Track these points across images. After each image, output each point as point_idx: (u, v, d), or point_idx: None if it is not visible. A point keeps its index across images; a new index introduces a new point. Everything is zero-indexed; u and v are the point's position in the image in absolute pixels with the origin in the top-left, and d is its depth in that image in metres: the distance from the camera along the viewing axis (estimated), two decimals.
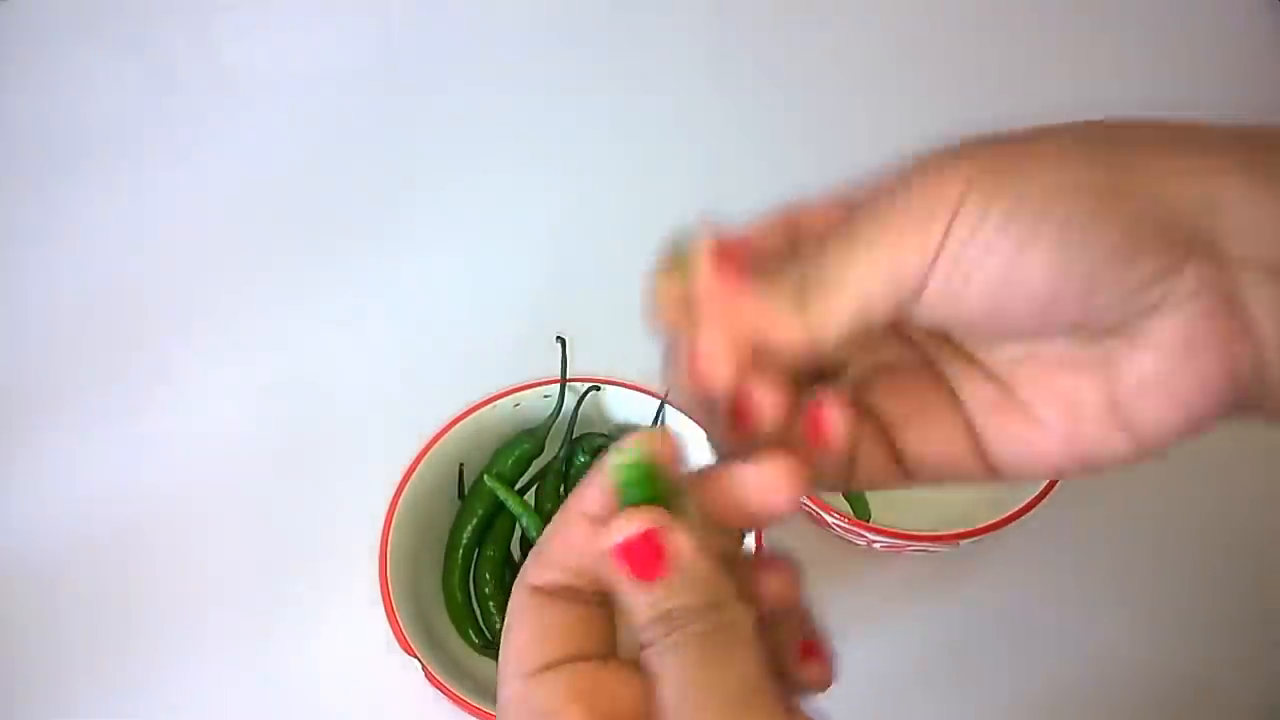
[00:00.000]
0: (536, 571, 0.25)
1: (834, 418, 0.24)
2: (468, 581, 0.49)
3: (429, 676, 0.42)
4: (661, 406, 0.49)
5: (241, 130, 0.68)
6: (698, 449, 0.25)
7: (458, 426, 0.48)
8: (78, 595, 0.51)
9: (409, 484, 0.46)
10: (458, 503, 0.50)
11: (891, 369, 0.27)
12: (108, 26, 0.73)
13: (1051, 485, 0.46)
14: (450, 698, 0.41)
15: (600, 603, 0.24)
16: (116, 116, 0.68)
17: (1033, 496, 0.46)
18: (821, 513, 0.47)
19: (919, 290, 0.23)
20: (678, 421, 0.48)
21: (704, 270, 0.24)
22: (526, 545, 0.50)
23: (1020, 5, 0.77)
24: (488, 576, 0.48)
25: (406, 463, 0.47)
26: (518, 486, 0.50)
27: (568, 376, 0.49)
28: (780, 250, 0.25)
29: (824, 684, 0.25)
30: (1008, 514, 0.46)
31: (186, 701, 0.48)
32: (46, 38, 0.72)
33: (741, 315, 0.24)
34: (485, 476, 0.48)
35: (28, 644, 0.50)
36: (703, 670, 0.22)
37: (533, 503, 0.50)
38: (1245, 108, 0.81)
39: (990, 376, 0.25)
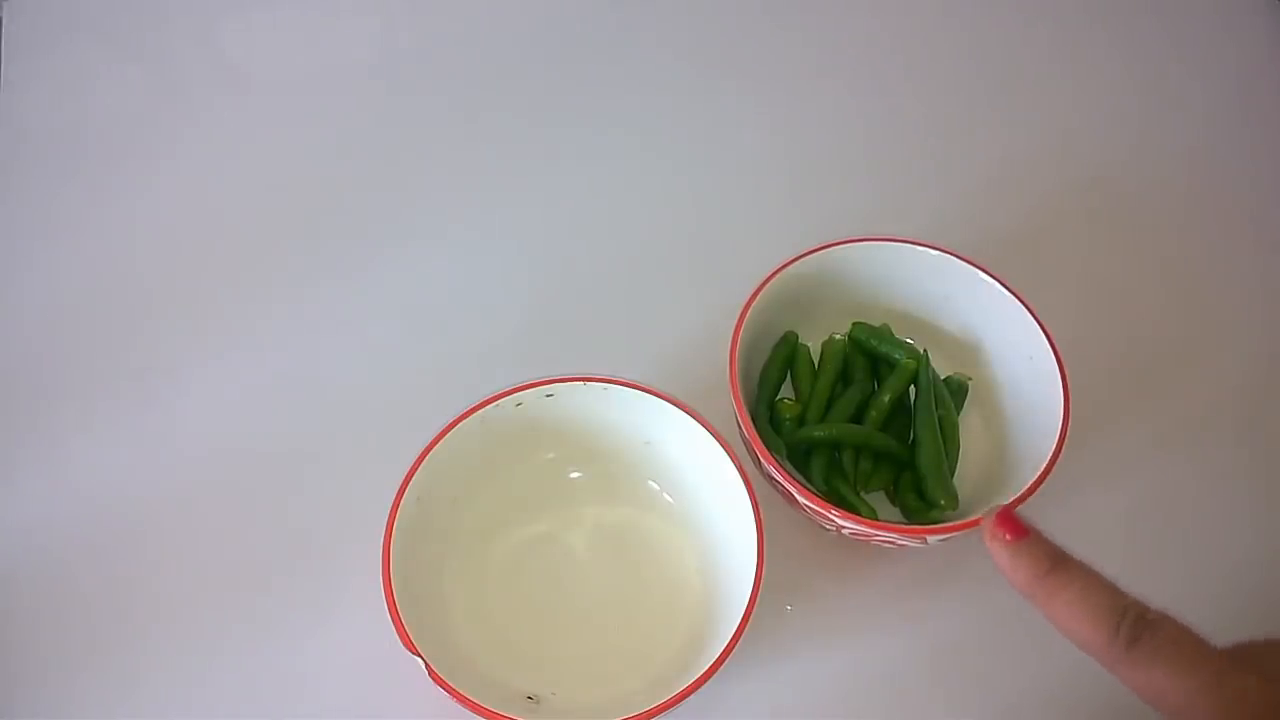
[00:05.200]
0: None
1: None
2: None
3: (432, 675, 0.42)
4: None
5: (243, 130, 0.68)
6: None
7: (460, 425, 0.48)
8: (79, 593, 0.51)
9: (411, 483, 0.46)
10: (460, 502, 0.50)
11: None
12: (109, 26, 0.73)
13: (1035, 486, 0.46)
14: (453, 696, 0.42)
15: None
16: (117, 116, 0.68)
17: (1012, 500, 0.46)
18: (793, 491, 0.47)
19: None
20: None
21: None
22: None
23: (1020, 5, 0.77)
24: None
25: (409, 462, 0.47)
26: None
27: (567, 376, 0.49)
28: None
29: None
30: (981, 515, 0.46)
31: (187, 700, 0.49)
32: (48, 37, 0.72)
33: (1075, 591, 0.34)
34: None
35: (28, 642, 0.50)
36: None
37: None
38: (1245, 108, 0.81)
39: None
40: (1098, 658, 0.33)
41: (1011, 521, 0.36)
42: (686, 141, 0.69)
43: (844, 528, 0.48)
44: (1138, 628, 0.33)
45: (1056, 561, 0.35)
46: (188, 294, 0.61)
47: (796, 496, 0.47)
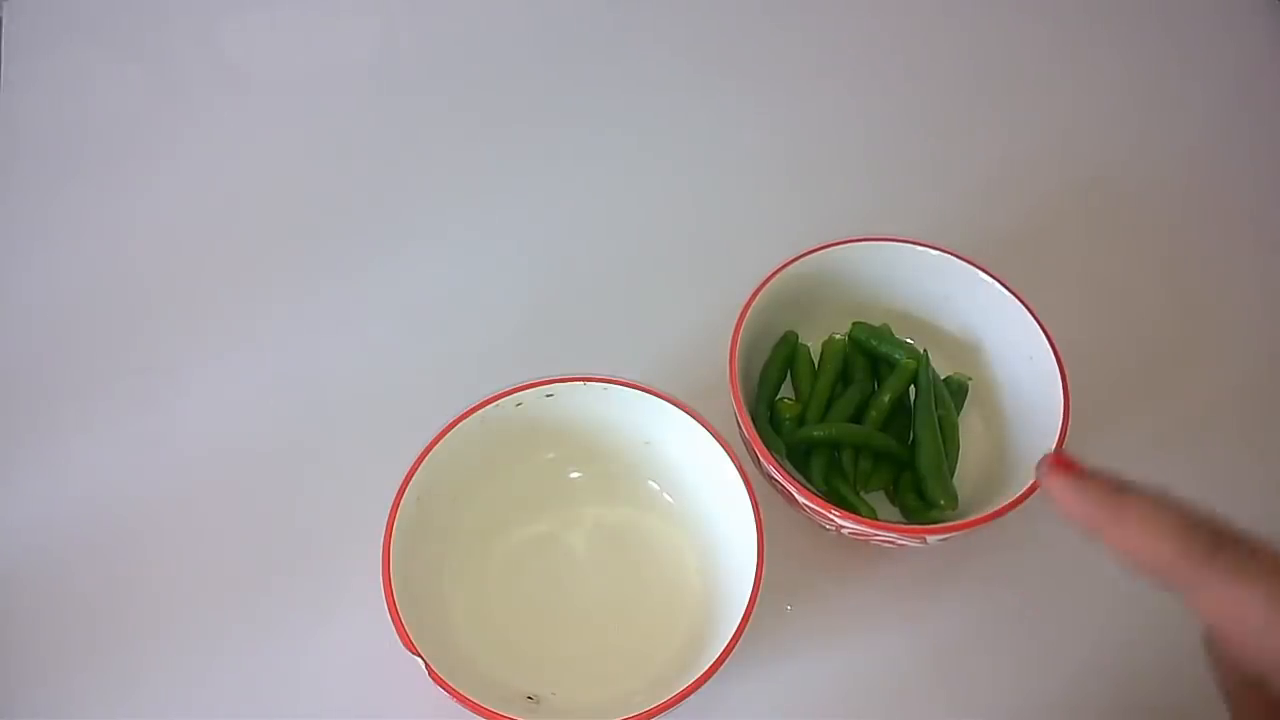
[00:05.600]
0: None
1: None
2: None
3: (432, 675, 0.42)
4: None
5: (243, 130, 0.68)
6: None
7: (460, 425, 0.48)
8: (79, 593, 0.51)
9: (411, 483, 0.46)
10: (460, 502, 0.50)
11: None
12: (109, 26, 0.73)
13: (1035, 486, 0.46)
14: (453, 696, 0.42)
15: None
16: (117, 116, 0.69)
17: (1011, 499, 0.46)
18: (793, 491, 0.47)
19: None
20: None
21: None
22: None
23: (1020, 5, 0.77)
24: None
25: (409, 462, 0.47)
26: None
27: (568, 376, 0.49)
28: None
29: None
30: (981, 515, 0.46)
31: (187, 700, 0.49)
32: (48, 37, 0.72)
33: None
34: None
35: (28, 642, 0.50)
36: None
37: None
38: (1245, 108, 0.81)
39: None
40: (1171, 575, 0.32)
41: (1067, 461, 0.35)
42: (686, 141, 0.69)
43: (844, 528, 0.48)
44: (1217, 540, 0.31)
45: (1123, 485, 0.33)
46: (188, 294, 0.61)
47: (796, 496, 0.47)
